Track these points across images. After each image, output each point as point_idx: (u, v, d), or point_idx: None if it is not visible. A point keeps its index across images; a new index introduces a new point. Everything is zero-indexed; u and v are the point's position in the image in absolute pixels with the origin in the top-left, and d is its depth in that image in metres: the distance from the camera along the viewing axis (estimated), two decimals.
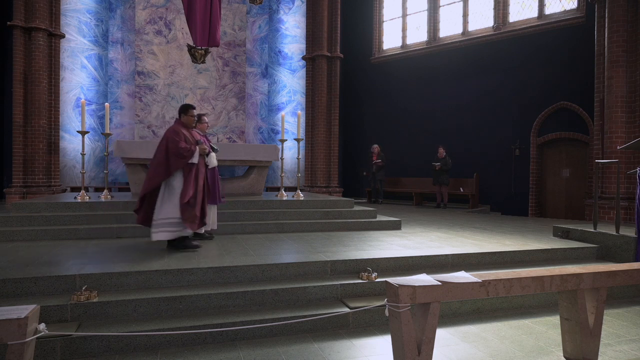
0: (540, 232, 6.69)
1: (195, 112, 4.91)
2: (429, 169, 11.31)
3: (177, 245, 4.63)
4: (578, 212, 9.68)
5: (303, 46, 12.43)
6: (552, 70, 10.14)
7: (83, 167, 6.64)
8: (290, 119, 12.26)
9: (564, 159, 10.07)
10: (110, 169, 10.93)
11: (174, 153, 4.45)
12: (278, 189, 9.76)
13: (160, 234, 4.48)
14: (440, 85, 12.25)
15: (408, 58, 13.09)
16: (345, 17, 13.69)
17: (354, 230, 6.39)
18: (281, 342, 3.29)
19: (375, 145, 12.33)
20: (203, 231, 5.25)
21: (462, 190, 11.29)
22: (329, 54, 12.05)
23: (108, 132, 6.74)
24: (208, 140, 5.43)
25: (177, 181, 4.53)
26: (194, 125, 4.93)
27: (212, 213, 5.38)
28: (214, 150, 5.23)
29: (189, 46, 7.49)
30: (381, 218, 6.99)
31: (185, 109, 4.76)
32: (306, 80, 12.32)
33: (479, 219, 8.58)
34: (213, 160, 5.08)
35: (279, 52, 12.61)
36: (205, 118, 5.46)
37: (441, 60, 12.28)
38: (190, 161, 4.52)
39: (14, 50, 9.61)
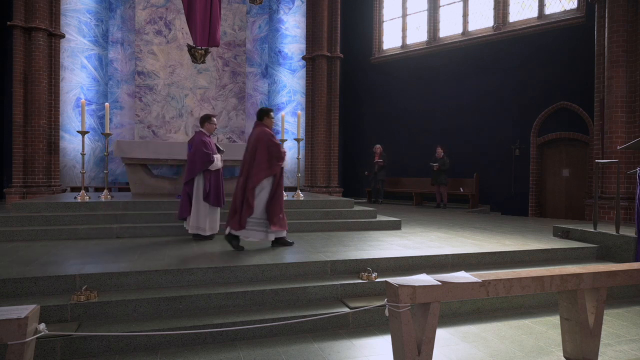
0: (540, 232, 6.69)
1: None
2: (429, 169, 11.31)
3: (284, 242, 4.95)
4: (578, 212, 9.68)
5: (303, 46, 12.43)
6: (552, 70, 10.14)
7: (83, 167, 6.65)
8: (290, 119, 12.26)
9: (564, 159, 10.07)
10: (110, 169, 10.93)
11: (275, 157, 4.74)
12: None
13: (255, 233, 4.75)
14: (440, 85, 12.25)
15: (408, 58, 13.09)
16: (345, 17, 13.69)
17: (354, 230, 6.39)
18: (281, 342, 3.29)
19: (378, 145, 12.34)
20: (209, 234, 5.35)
21: (462, 190, 11.28)
22: (329, 54, 12.05)
23: (108, 132, 6.74)
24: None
25: (268, 183, 4.79)
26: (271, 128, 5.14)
27: (216, 216, 5.39)
28: (220, 151, 5.34)
29: (189, 46, 7.49)
30: (381, 218, 6.99)
31: (267, 112, 5.02)
32: (306, 80, 12.32)
33: (479, 219, 8.58)
34: (218, 162, 5.23)
35: (279, 52, 12.61)
36: (215, 119, 5.58)
37: (441, 60, 12.28)
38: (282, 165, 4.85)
39: (14, 50, 9.61)
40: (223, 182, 5.42)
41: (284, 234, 4.93)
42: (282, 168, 4.85)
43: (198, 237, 5.30)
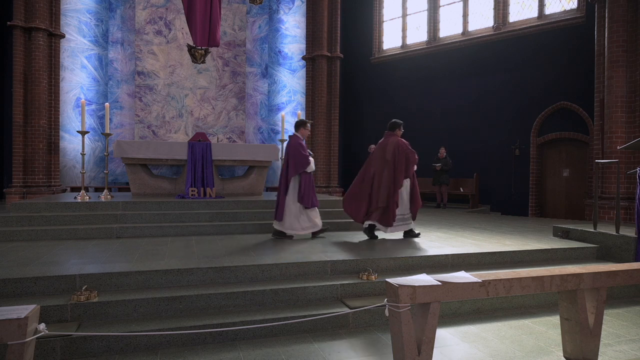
0: (540, 232, 6.69)
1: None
2: (429, 169, 11.31)
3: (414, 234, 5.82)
4: (578, 212, 9.68)
5: (303, 46, 12.43)
6: (552, 70, 10.14)
7: (83, 167, 6.65)
8: (290, 119, 12.25)
9: (564, 159, 10.07)
10: (110, 169, 10.93)
11: (413, 162, 5.62)
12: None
13: (399, 227, 5.67)
14: (440, 86, 12.25)
15: (408, 58, 13.09)
16: (345, 17, 13.69)
17: (354, 231, 6.39)
18: (281, 342, 3.29)
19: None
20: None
21: (462, 190, 11.28)
22: (329, 54, 12.05)
23: (108, 132, 6.74)
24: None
25: (406, 184, 5.65)
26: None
27: (306, 216, 5.62)
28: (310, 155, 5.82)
29: (189, 46, 7.49)
30: None
31: (400, 125, 5.81)
32: (306, 80, 12.32)
33: (479, 219, 8.58)
34: (313, 165, 5.65)
35: (279, 52, 12.60)
36: (309, 125, 5.95)
37: (441, 61, 12.28)
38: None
39: (14, 50, 9.61)
40: (314, 184, 5.81)
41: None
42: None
43: (280, 235, 5.55)
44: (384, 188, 5.47)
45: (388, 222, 5.49)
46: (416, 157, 5.67)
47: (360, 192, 5.66)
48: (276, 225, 5.55)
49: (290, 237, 5.59)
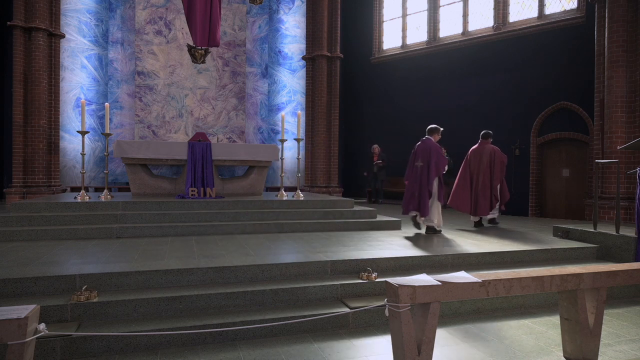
0: (540, 232, 6.69)
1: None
2: None
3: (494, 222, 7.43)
4: (578, 212, 9.68)
5: (303, 46, 12.43)
6: (552, 70, 10.14)
7: (83, 167, 6.64)
8: (290, 119, 12.26)
9: (564, 159, 10.07)
10: (110, 169, 10.93)
11: (506, 165, 7.38)
12: (278, 189, 9.77)
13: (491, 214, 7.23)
14: (440, 85, 12.25)
15: (408, 58, 13.09)
16: (345, 17, 13.69)
17: (354, 230, 6.39)
18: (281, 342, 3.29)
19: (375, 145, 12.34)
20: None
21: None
22: (329, 54, 12.05)
23: (108, 132, 6.74)
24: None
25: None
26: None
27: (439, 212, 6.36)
28: None
29: (189, 46, 7.49)
30: (381, 218, 6.99)
31: (491, 134, 7.53)
32: (306, 80, 12.32)
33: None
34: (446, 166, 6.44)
35: (279, 52, 12.60)
36: (441, 130, 6.54)
37: (441, 60, 12.28)
38: None
39: (14, 50, 9.61)
40: None
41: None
42: None
43: (433, 231, 6.24)
44: (481, 188, 7.13)
45: (485, 211, 7.11)
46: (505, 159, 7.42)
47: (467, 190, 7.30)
48: (428, 222, 6.23)
49: (440, 231, 6.32)
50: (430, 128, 6.41)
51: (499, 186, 7.19)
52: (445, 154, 11.08)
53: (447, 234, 6.34)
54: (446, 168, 6.29)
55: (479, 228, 7.10)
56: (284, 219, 6.45)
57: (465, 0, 12.02)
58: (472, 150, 7.49)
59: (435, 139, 6.37)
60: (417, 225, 6.36)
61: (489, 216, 7.20)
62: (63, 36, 10.31)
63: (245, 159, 7.86)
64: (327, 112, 12.09)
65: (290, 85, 12.54)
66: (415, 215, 6.26)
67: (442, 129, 6.52)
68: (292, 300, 3.76)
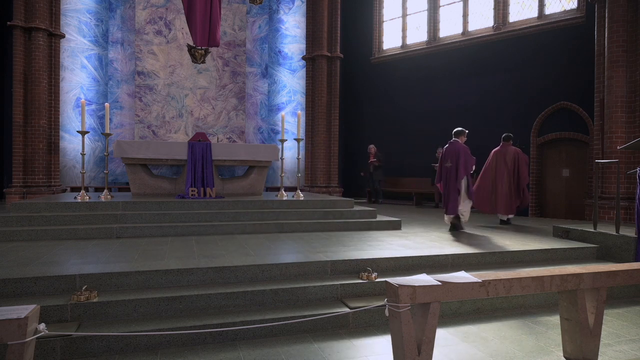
0: (540, 232, 6.69)
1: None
2: (428, 169, 11.31)
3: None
4: (578, 212, 9.68)
5: (303, 46, 12.43)
6: (552, 70, 10.14)
7: (83, 167, 6.64)
8: (290, 119, 12.26)
9: (564, 159, 10.07)
10: (110, 169, 10.93)
11: (529, 165, 7.96)
12: (278, 189, 9.77)
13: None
14: (440, 85, 12.25)
15: (408, 58, 13.09)
16: (345, 17, 13.68)
17: (354, 230, 6.39)
18: (281, 342, 3.29)
19: (372, 145, 12.36)
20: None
21: None
22: (329, 54, 12.05)
23: (108, 132, 6.74)
24: None
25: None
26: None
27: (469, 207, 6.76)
28: None
29: (189, 46, 7.49)
30: (381, 218, 6.99)
31: (512, 137, 8.02)
32: (306, 80, 12.32)
33: (479, 219, 8.57)
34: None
35: (279, 52, 12.60)
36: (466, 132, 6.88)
37: (441, 60, 12.28)
38: None
39: (14, 50, 9.61)
40: None
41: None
42: None
43: (457, 228, 6.58)
44: (508, 187, 7.70)
45: (511, 211, 7.72)
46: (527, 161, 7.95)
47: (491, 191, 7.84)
48: (454, 220, 6.54)
49: (463, 229, 6.67)
50: (457, 131, 6.67)
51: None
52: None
53: (446, 234, 6.33)
54: (473, 167, 6.56)
55: (505, 226, 7.60)
56: (284, 219, 6.45)
57: (465, 0, 12.02)
58: (495, 152, 7.96)
59: (461, 140, 6.61)
60: (456, 227, 6.62)
61: (510, 215, 7.74)
62: (63, 36, 10.31)
63: (245, 159, 7.86)
64: (327, 112, 12.09)
65: (290, 85, 12.54)
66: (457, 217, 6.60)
67: (467, 131, 6.77)
68: (292, 300, 3.76)
